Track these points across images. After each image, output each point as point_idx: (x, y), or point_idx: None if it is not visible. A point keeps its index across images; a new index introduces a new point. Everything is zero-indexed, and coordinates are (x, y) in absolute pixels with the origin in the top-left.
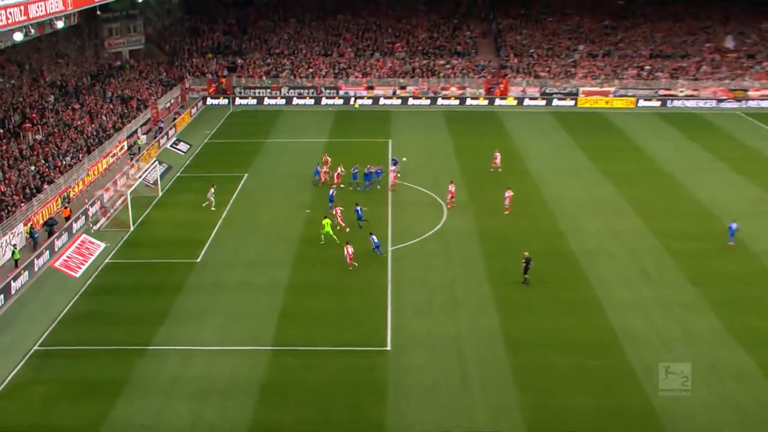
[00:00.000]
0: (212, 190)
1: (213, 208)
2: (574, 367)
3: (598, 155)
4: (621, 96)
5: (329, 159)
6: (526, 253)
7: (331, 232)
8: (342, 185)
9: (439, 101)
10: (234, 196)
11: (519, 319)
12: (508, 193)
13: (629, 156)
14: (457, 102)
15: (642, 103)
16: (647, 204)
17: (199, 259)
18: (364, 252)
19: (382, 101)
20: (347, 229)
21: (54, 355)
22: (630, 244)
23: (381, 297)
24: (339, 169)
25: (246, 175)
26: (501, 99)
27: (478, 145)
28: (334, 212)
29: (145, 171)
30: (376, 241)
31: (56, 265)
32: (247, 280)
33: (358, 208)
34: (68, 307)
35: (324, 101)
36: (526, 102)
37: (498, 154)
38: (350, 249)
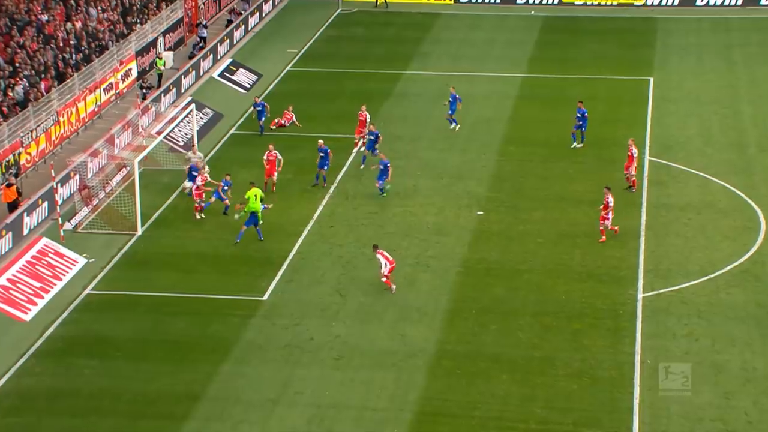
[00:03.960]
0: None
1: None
2: None
3: None
4: None
5: (367, 115)
6: None
7: (259, 209)
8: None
9: None
10: (339, 177)
11: None
12: None
13: None
14: None
15: None
16: None
17: (266, 296)
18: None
19: None
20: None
21: None
22: None
23: (615, 392)
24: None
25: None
26: None
27: None
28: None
29: (170, 122)
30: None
31: None
32: (357, 343)
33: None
34: (3, 381)
35: None
36: None
37: None
38: (386, 260)
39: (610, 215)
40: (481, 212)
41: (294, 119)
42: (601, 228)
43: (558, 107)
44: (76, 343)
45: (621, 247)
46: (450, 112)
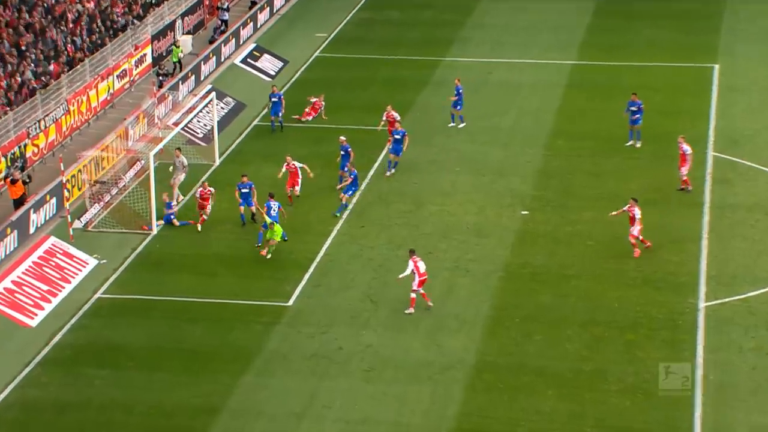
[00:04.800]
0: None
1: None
2: None
3: None
4: None
5: (394, 114)
6: None
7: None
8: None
9: None
10: (370, 174)
11: None
12: None
13: None
14: None
15: None
16: None
17: (291, 302)
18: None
19: None
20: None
21: None
22: None
23: (673, 410)
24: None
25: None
26: None
27: None
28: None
29: (189, 112)
30: (273, 212)
31: None
32: (389, 353)
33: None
34: (7, 392)
35: None
36: None
37: None
38: (415, 269)
39: (637, 228)
40: (526, 212)
41: (322, 109)
42: (642, 238)
43: (611, 97)
44: (85, 351)
45: (680, 252)
46: (458, 107)
